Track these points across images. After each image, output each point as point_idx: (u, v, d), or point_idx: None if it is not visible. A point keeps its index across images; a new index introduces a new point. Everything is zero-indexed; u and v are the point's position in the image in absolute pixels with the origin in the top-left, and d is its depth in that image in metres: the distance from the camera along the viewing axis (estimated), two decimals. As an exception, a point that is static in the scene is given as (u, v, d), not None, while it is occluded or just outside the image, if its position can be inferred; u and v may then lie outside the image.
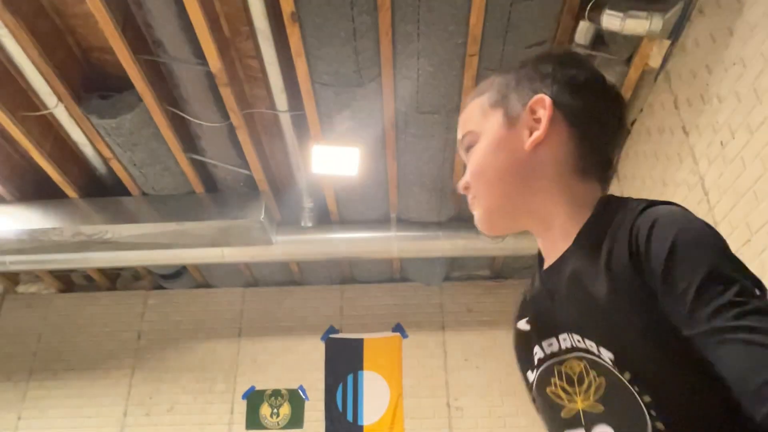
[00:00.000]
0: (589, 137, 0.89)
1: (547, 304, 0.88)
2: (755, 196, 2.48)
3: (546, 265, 0.92)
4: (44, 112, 3.67)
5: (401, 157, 4.08)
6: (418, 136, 3.83)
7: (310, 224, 4.66)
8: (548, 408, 0.86)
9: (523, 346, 0.93)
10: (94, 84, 3.72)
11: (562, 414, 0.83)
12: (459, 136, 0.98)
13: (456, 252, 4.83)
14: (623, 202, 0.83)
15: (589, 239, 0.82)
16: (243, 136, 3.81)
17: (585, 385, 0.80)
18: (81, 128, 3.80)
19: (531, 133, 0.88)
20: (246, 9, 2.98)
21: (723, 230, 2.71)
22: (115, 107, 3.65)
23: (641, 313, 0.72)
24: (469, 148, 0.95)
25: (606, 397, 0.78)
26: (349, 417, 5.21)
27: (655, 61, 3.25)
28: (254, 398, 5.34)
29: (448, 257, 5.05)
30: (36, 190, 4.42)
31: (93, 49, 3.61)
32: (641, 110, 3.62)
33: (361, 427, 5.17)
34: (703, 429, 0.69)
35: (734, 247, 2.64)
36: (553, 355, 0.85)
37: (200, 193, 4.43)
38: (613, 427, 0.77)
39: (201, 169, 4.28)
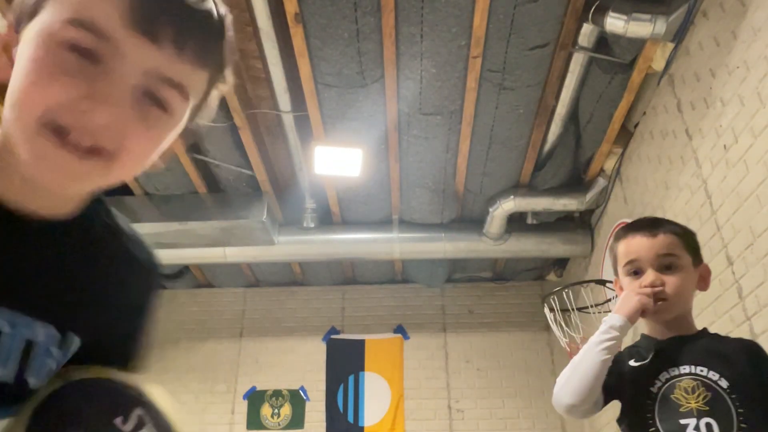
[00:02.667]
0: None
1: (671, 351, 1.49)
2: (758, 200, 2.47)
3: (664, 337, 1.52)
4: (48, 111, 3.67)
5: (404, 158, 4.09)
6: (420, 138, 3.83)
7: (312, 225, 4.66)
8: (671, 406, 1.42)
9: (644, 373, 1.50)
10: (97, 83, 3.72)
11: (681, 409, 1.40)
12: (663, 251, 1.50)
13: (458, 254, 4.83)
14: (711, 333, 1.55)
15: (710, 336, 1.53)
16: (246, 137, 3.82)
17: (696, 395, 1.40)
18: (84, 127, 3.80)
19: (700, 280, 1.55)
20: (249, 9, 2.98)
21: (726, 234, 2.71)
22: (119, 107, 3.65)
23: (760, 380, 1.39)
24: (669, 266, 1.50)
25: (709, 402, 1.38)
26: (350, 418, 5.21)
27: (658, 64, 3.24)
28: (255, 398, 5.34)
29: (449, 259, 5.05)
30: (39, 189, 4.42)
31: (97, 48, 3.61)
32: (644, 113, 3.62)
33: (362, 428, 5.17)
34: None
35: (737, 251, 2.63)
36: (674, 377, 1.45)
37: (203, 193, 4.44)
38: (715, 419, 1.36)
39: (204, 169, 4.29)
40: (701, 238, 2.92)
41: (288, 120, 3.72)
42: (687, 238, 1.55)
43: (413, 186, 4.35)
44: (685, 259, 1.51)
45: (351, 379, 5.36)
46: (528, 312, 5.52)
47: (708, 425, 1.38)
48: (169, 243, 4.49)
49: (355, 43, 3.07)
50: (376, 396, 5.27)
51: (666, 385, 1.45)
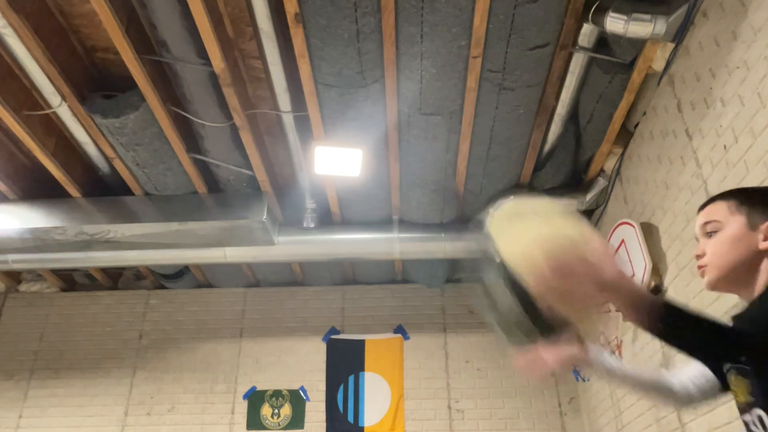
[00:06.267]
0: None
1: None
2: (758, 200, 2.47)
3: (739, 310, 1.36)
4: (48, 111, 3.68)
5: (404, 158, 4.08)
6: (420, 138, 3.83)
7: (312, 225, 4.66)
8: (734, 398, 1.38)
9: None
10: (97, 83, 3.73)
11: (736, 404, 1.36)
12: (702, 221, 1.47)
13: (458, 254, 4.83)
14: None
15: (759, 298, 1.34)
16: (246, 137, 3.82)
17: (742, 387, 1.31)
18: (84, 127, 3.81)
19: (765, 239, 1.36)
20: (250, 9, 2.99)
21: (726, 234, 2.71)
22: (119, 107, 3.65)
23: None
24: (711, 233, 1.44)
25: (752, 392, 1.28)
26: (350, 418, 5.21)
27: (658, 65, 3.25)
28: (255, 398, 5.34)
29: (450, 259, 5.05)
30: (39, 189, 4.43)
31: (97, 48, 3.62)
32: (644, 113, 3.62)
33: (362, 428, 5.17)
34: None
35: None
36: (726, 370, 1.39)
37: (203, 193, 4.44)
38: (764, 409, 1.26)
39: (204, 169, 4.29)
40: (701, 238, 2.94)
41: (288, 120, 3.72)
42: (741, 199, 1.44)
43: (413, 186, 4.35)
44: (731, 221, 1.41)
45: (351, 379, 5.36)
46: (528, 312, 5.52)
47: (759, 418, 1.27)
48: (169, 243, 4.49)
49: (355, 43, 3.07)
50: (376, 396, 5.27)
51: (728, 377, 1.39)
